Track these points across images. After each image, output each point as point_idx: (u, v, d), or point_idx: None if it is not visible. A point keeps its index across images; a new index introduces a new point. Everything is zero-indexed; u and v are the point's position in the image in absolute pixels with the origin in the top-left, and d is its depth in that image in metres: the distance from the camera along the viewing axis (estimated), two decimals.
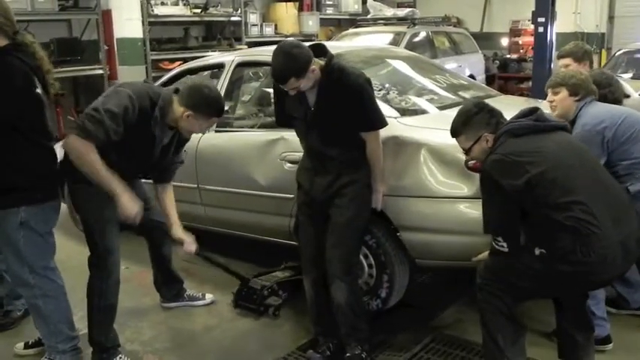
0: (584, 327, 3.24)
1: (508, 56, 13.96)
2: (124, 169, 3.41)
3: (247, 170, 4.50)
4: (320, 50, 3.44)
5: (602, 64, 10.74)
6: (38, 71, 3.27)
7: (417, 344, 3.85)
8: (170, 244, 4.30)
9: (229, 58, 5.13)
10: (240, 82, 5.28)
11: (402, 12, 12.41)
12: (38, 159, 3.27)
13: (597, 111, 3.71)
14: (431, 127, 3.86)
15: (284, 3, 12.88)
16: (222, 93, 4.86)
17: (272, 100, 3.99)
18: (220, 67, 5.13)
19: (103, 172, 3.25)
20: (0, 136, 3.17)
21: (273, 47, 3.35)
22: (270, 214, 4.47)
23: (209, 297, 4.56)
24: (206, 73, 6.00)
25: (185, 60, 9.28)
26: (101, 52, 9.65)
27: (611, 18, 12.97)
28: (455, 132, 3.18)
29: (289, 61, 3.21)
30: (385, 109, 3.87)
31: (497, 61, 13.81)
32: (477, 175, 3.51)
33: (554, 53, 8.41)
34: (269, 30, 12.43)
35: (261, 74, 5.35)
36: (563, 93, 3.80)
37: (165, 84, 5.54)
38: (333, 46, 5.52)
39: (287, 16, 12.72)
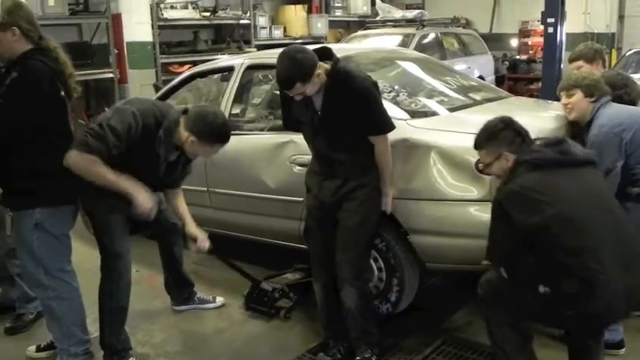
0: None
1: (517, 57, 13.90)
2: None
3: (257, 173, 4.51)
4: (326, 54, 3.43)
5: (613, 64, 10.68)
6: (61, 75, 3.34)
7: (427, 347, 3.85)
8: (181, 246, 4.31)
9: (239, 61, 5.14)
10: (249, 85, 5.28)
11: (410, 14, 12.40)
12: (57, 162, 3.30)
13: (615, 112, 3.68)
14: (441, 129, 3.85)
15: (293, 5, 12.88)
16: (232, 96, 4.91)
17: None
18: (230, 70, 5.14)
19: (110, 175, 3.26)
20: (23, 139, 3.24)
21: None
22: (280, 217, 4.47)
23: (219, 300, 4.57)
24: (216, 76, 6.03)
25: (195, 63, 9.30)
26: (111, 55, 9.68)
27: (621, 17, 12.90)
28: (477, 145, 3.14)
29: (294, 66, 3.20)
30: (395, 111, 3.89)
31: (507, 62, 13.76)
32: (488, 178, 3.51)
33: (564, 54, 8.38)
34: (278, 33, 12.43)
35: (270, 77, 5.35)
36: (578, 95, 3.77)
37: (175, 87, 5.58)
38: (343, 49, 5.53)
39: (296, 18, 12.72)
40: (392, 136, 3.50)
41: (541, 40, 10.36)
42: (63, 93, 3.35)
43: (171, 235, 4.18)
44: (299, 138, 3.79)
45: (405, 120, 3.91)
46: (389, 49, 6.40)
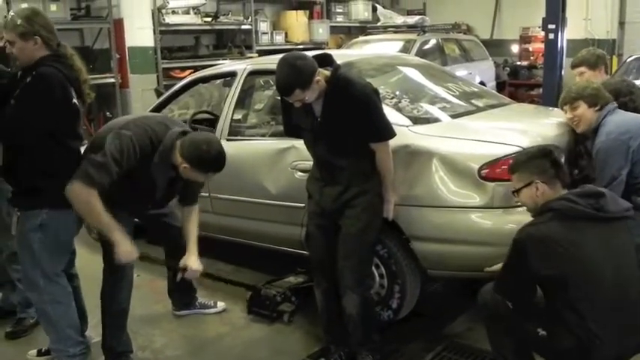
0: None
1: (518, 63, 13.89)
2: (130, 203, 3.48)
3: (258, 179, 4.51)
4: (326, 60, 3.44)
5: (614, 70, 10.68)
6: (75, 82, 3.40)
7: (428, 353, 3.85)
8: None
9: (241, 66, 5.15)
10: (251, 91, 5.31)
11: (412, 19, 12.42)
12: (67, 165, 3.34)
13: (623, 120, 3.68)
14: (443, 136, 3.85)
15: (294, 11, 12.90)
16: (234, 101, 4.91)
17: None
18: (232, 75, 5.15)
19: (104, 217, 3.28)
20: (34, 141, 3.30)
21: None
22: (281, 223, 4.47)
23: (220, 305, 4.57)
24: (218, 81, 6.04)
25: (196, 68, 9.32)
26: (113, 60, 9.69)
27: (621, 24, 12.90)
28: (511, 169, 3.10)
29: (294, 73, 3.20)
30: (397, 118, 3.89)
31: (508, 68, 13.77)
32: (490, 185, 3.52)
33: (565, 60, 8.38)
34: (279, 38, 12.46)
35: (272, 83, 5.35)
36: (582, 106, 3.77)
37: (177, 92, 5.59)
38: (345, 55, 5.55)
39: (297, 24, 12.74)
40: (394, 142, 3.51)
41: (542, 46, 10.36)
42: (75, 99, 3.40)
43: (180, 241, 4.18)
44: (300, 144, 3.80)
45: (408, 126, 3.91)
46: (391, 55, 6.40)
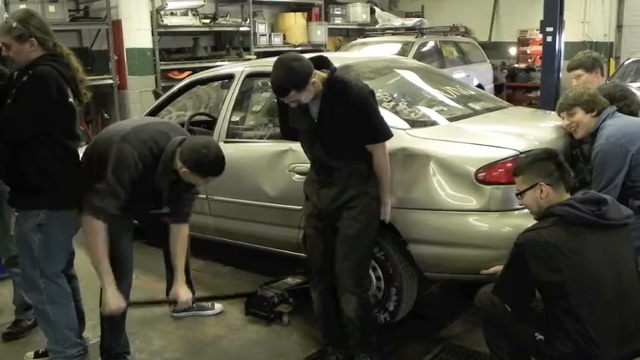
0: None
1: (516, 66, 13.93)
2: (134, 206, 3.47)
3: (256, 181, 4.52)
4: (323, 62, 3.46)
5: (611, 73, 10.72)
6: (72, 81, 3.42)
7: (426, 354, 3.86)
8: (189, 254, 4.31)
9: (239, 68, 5.16)
10: (249, 93, 5.31)
11: (410, 22, 12.44)
12: (65, 164, 3.37)
13: (623, 123, 3.69)
14: (440, 139, 3.86)
15: (292, 13, 12.91)
16: (232, 103, 4.92)
17: None
18: (230, 77, 5.16)
19: (103, 262, 3.33)
20: (32, 140, 3.30)
21: None
22: (279, 225, 4.48)
23: (218, 307, 4.58)
24: (216, 83, 6.05)
25: (194, 70, 9.33)
26: (111, 62, 9.69)
27: (619, 27, 12.95)
28: (516, 171, 3.11)
29: (289, 74, 3.23)
30: (395, 121, 3.91)
31: (506, 71, 13.79)
32: (487, 188, 3.53)
33: (563, 63, 8.40)
34: (277, 40, 12.45)
35: (270, 85, 5.37)
36: (580, 113, 3.78)
37: (174, 94, 5.59)
38: (343, 57, 5.56)
39: (295, 26, 12.75)
40: (391, 145, 3.53)
41: (540, 48, 10.39)
42: (72, 98, 3.42)
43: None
44: (298, 146, 3.81)
45: (405, 129, 3.92)
46: (389, 58, 6.40)
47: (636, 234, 3.17)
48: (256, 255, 4.98)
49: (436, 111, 4.43)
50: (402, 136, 3.81)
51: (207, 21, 11.17)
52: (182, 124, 5.68)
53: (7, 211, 4.12)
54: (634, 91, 4.22)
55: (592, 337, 2.70)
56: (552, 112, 4.62)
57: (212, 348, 4.14)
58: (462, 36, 13.72)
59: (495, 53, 13.97)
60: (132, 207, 3.49)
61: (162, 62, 10.29)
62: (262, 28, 12.13)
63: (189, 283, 4.41)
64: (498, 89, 13.10)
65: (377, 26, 12.73)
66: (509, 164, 3.50)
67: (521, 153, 3.53)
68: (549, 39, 8.44)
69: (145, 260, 4.59)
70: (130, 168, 3.25)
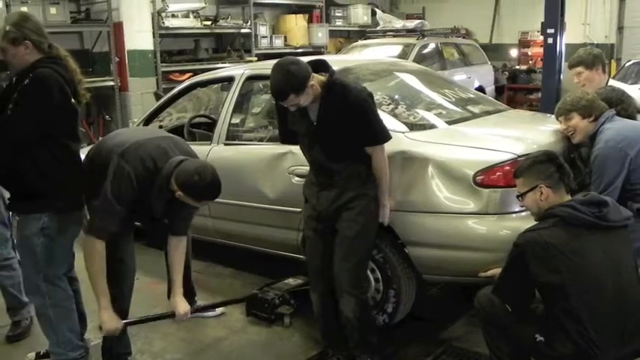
0: None
1: (517, 67, 13.94)
2: (131, 218, 3.51)
3: (255, 183, 4.54)
4: (321, 66, 3.48)
5: (612, 74, 10.73)
6: (71, 83, 3.43)
7: (427, 356, 3.88)
8: (190, 256, 4.33)
9: (239, 71, 5.18)
10: (249, 96, 5.33)
11: (411, 24, 12.48)
12: (66, 167, 3.39)
13: (622, 127, 3.69)
14: (439, 143, 3.87)
15: (293, 15, 12.93)
16: (232, 106, 4.94)
17: None
18: (230, 80, 5.18)
19: (100, 284, 3.39)
20: (34, 143, 3.31)
21: None
22: (278, 227, 4.49)
23: (219, 308, 4.58)
24: (216, 86, 6.06)
25: (195, 72, 9.34)
26: (112, 63, 9.72)
27: (620, 29, 12.97)
28: (516, 173, 3.13)
29: (288, 77, 3.25)
30: (393, 124, 3.92)
31: (507, 72, 13.80)
32: (485, 191, 3.54)
33: (564, 64, 8.40)
34: (279, 42, 12.47)
35: None
36: (576, 118, 3.79)
37: (175, 96, 5.61)
38: (342, 60, 5.57)
39: (296, 27, 12.76)
40: (390, 148, 3.54)
41: (541, 50, 10.39)
42: (73, 100, 3.43)
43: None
44: (298, 149, 3.82)
45: (404, 132, 3.94)
46: (389, 61, 6.40)
47: (635, 236, 3.19)
48: (257, 257, 4.99)
49: (435, 114, 4.44)
50: (401, 139, 3.83)
51: (209, 23, 11.18)
52: (182, 126, 5.73)
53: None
54: (631, 94, 4.23)
55: (592, 338, 2.72)
56: (551, 116, 4.62)
57: (213, 349, 4.15)
58: (463, 38, 13.74)
59: (496, 55, 13.99)
60: (131, 218, 3.51)
61: (164, 64, 10.32)
62: (263, 29, 12.16)
63: (190, 286, 4.44)
64: (499, 91, 13.12)
65: (378, 28, 12.76)
66: (507, 167, 3.52)
67: (519, 156, 3.54)
68: (550, 41, 8.43)
69: (146, 261, 4.61)
70: (127, 188, 3.29)
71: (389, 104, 4.29)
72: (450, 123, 4.30)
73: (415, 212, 3.74)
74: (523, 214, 3.45)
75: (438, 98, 4.76)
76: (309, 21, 13.21)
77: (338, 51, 12.96)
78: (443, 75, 7.10)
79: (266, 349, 4.11)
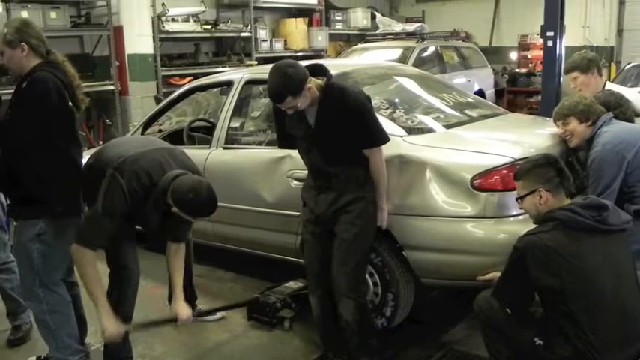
0: None
1: (517, 70, 13.93)
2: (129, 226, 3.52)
3: (254, 187, 4.55)
4: (319, 69, 3.50)
5: (612, 77, 10.74)
6: (69, 87, 3.45)
7: (427, 359, 3.88)
8: (192, 258, 4.33)
9: (238, 75, 5.20)
10: (248, 100, 5.34)
11: (410, 27, 12.48)
12: (65, 171, 3.40)
13: (620, 130, 3.71)
14: (437, 147, 3.88)
15: (293, 19, 12.93)
16: (231, 110, 4.96)
17: None
18: (229, 84, 5.20)
19: (96, 291, 3.35)
20: (33, 148, 3.32)
21: None
22: (277, 231, 4.51)
23: (220, 312, 4.60)
24: (215, 90, 6.08)
25: (195, 75, 9.35)
26: (112, 67, 9.71)
27: (620, 31, 12.98)
28: (516, 176, 3.14)
29: (285, 80, 3.27)
30: (392, 128, 3.93)
31: (506, 76, 13.79)
32: (482, 195, 3.56)
33: (563, 67, 8.41)
34: (279, 45, 12.46)
35: None
36: (574, 123, 3.81)
37: (174, 100, 5.63)
38: (340, 64, 5.59)
39: (296, 31, 12.77)
40: (388, 152, 3.56)
41: (540, 53, 10.39)
42: (71, 104, 3.45)
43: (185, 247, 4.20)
44: (296, 153, 3.84)
45: (402, 137, 3.95)
46: (387, 65, 6.39)
47: (633, 238, 3.20)
48: (258, 260, 5.00)
49: (433, 118, 4.46)
50: (399, 143, 3.84)
51: (209, 27, 11.18)
52: (182, 130, 5.75)
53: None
54: (630, 96, 4.25)
55: (591, 342, 2.73)
56: (551, 119, 4.64)
57: (214, 353, 4.16)
58: (463, 41, 13.74)
59: (496, 58, 13.97)
60: (129, 225, 3.52)
61: (164, 68, 10.31)
62: (263, 33, 12.15)
63: (191, 290, 4.45)
64: (499, 94, 13.11)
65: (378, 31, 12.77)
66: (505, 171, 3.54)
67: (516, 160, 3.56)
68: (550, 44, 8.44)
69: (146, 265, 4.57)
70: (120, 203, 3.28)
71: (387, 108, 4.31)
72: (448, 127, 4.32)
73: (413, 216, 3.76)
74: (521, 217, 3.46)
75: (436, 102, 4.78)
76: (309, 24, 13.20)
77: (338, 54, 12.97)
78: (442, 79, 7.11)
79: (267, 352, 4.12)
